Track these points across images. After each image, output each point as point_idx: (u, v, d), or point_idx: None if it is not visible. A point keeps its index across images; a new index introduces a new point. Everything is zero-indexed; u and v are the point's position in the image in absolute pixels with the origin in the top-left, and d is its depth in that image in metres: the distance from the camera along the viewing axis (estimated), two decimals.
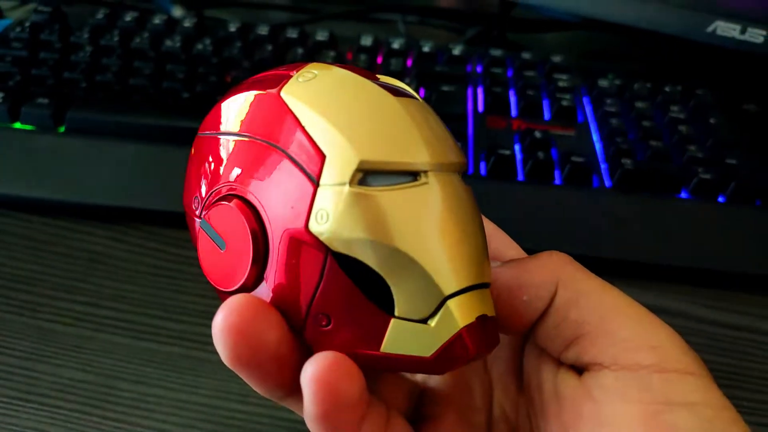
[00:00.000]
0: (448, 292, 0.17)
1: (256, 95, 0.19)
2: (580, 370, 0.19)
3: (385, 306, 0.17)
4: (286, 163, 0.17)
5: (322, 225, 0.16)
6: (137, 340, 0.30)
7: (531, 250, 0.34)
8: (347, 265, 0.16)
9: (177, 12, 0.57)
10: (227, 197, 0.18)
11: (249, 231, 0.17)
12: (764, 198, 0.38)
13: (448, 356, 0.17)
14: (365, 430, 0.18)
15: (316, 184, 0.16)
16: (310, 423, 0.17)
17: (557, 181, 0.38)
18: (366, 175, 0.16)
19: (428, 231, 0.16)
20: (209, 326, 0.17)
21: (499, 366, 0.22)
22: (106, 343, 0.30)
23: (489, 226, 0.22)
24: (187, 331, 0.31)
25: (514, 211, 0.37)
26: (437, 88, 0.43)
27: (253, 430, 0.27)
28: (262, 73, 0.20)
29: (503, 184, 0.38)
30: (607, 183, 0.39)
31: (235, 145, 0.19)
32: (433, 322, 0.17)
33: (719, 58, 0.49)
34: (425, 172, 0.17)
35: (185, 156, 0.21)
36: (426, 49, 0.48)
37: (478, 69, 0.47)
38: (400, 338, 0.17)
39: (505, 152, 0.39)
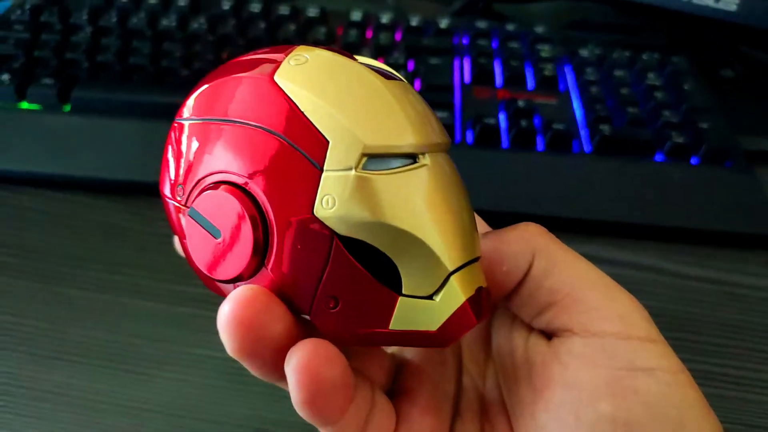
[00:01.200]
0: (451, 268, 0.17)
1: (245, 79, 0.18)
2: (550, 335, 0.20)
3: (392, 285, 0.17)
4: (287, 149, 0.17)
5: (328, 210, 0.16)
6: (156, 303, 0.33)
7: (513, 213, 0.37)
8: (352, 246, 0.17)
9: None
10: (220, 184, 0.18)
11: (249, 219, 0.17)
12: (734, 159, 0.41)
13: (453, 328, 0.17)
14: (353, 412, 0.18)
15: (320, 169, 0.17)
16: (298, 409, 0.17)
17: (539, 148, 0.41)
18: (369, 159, 0.17)
19: (431, 211, 0.17)
20: None
21: (468, 336, 0.23)
22: (127, 307, 0.32)
23: None
24: (204, 293, 0.33)
25: (499, 177, 0.39)
26: (425, 60, 0.45)
27: (265, 383, 0.30)
28: (238, 58, 0.20)
29: (488, 152, 0.40)
30: (587, 148, 0.41)
31: (225, 131, 0.18)
32: (438, 298, 0.17)
33: (698, 26, 0.51)
34: (423, 154, 0.18)
35: None
36: (414, 23, 0.50)
37: (465, 41, 0.49)
38: (407, 315, 0.17)
39: (491, 121, 0.41)
